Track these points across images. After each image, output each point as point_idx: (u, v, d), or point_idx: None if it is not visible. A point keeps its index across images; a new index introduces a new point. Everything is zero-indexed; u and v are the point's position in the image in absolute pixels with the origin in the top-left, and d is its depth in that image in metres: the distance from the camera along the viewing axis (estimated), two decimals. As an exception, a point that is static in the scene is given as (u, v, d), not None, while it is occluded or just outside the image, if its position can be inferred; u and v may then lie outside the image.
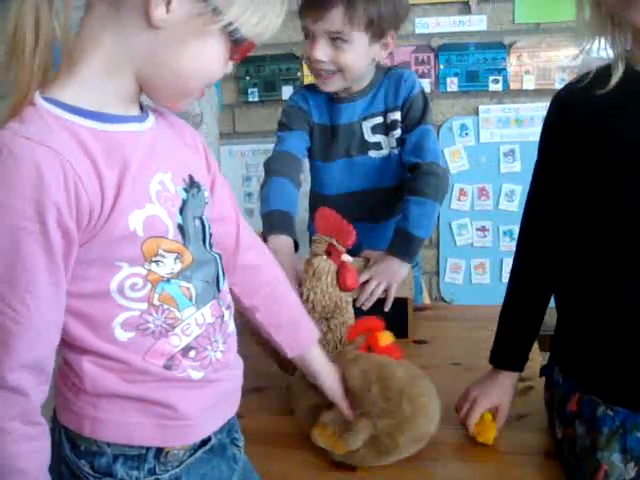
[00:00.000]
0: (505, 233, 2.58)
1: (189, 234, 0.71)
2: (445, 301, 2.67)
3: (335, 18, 1.27)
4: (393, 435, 0.91)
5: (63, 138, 0.61)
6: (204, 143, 0.82)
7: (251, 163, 2.67)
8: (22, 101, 0.63)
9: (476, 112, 2.54)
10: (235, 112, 2.65)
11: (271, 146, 1.47)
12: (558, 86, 0.93)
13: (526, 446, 0.99)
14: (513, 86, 2.49)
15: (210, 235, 0.76)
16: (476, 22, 2.46)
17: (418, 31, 2.47)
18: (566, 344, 0.96)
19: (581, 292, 0.91)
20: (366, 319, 1.04)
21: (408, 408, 0.91)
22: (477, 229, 2.62)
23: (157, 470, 0.72)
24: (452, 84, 2.52)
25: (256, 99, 2.62)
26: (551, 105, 0.96)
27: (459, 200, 2.60)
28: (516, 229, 1.05)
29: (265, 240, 1.21)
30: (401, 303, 1.33)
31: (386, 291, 1.31)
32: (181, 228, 0.70)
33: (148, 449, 0.71)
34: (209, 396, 0.75)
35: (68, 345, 0.69)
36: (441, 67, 2.51)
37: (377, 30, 1.31)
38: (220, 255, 0.78)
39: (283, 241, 1.24)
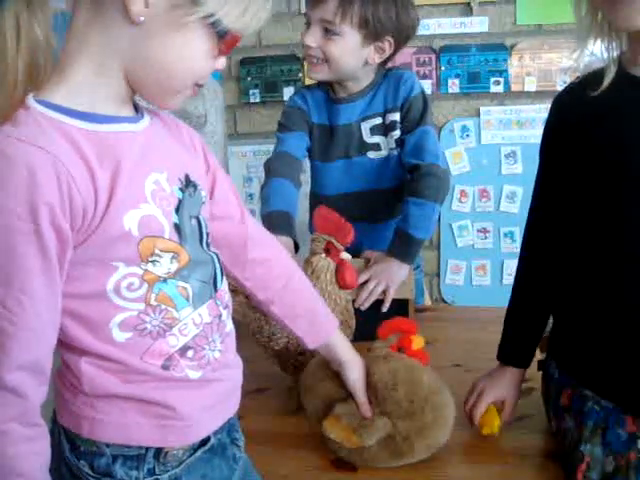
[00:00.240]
0: (506, 235, 2.58)
1: (185, 234, 0.70)
2: (446, 302, 2.67)
3: (329, 7, 1.30)
4: (411, 439, 0.91)
5: (55, 139, 0.61)
6: (203, 143, 0.82)
7: (252, 164, 2.67)
8: (13, 103, 0.64)
9: (477, 114, 2.54)
10: (236, 113, 2.66)
11: (272, 147, 1.48)
12: (559, 88, 0.93)
13: (528, 447, 0.99)
14: (514, 88, 2.50)
15: (207, 234, 0.76)
16: (478, 23, 2.46)
17: (419, 32, 2.43)
18: (562, 339, 0.97)
19: (576, 288, 0.92)
20: (400, 319, 1.04)
21: (430, 415, 0.91)
22: (478, 230, 2.62)
23: (157, 470, 0.72)
24: (453, 85, 2.52)
25: (257, 100, 2.62)
26: (551, 107, 0.97)
27: (460, 201, 2.60)
28: (517, 231, 1.06)
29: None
30: (402, 304, 1.33)
31: (384, 292, 1.31)
32: (177, 228, 0.69)
33: (147, 449, 0.71)
34: (208, 396, 0.75)
35: (66, 346, 0.69)
36: (442, 68, 2.51)
37: (372, 32, 1.32)
38: (218, 254, 0.77)
39: (283, 242, 1.24)
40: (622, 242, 0.84)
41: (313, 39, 1.33)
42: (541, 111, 2.44)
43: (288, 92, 2.54)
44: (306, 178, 1.49)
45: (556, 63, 2.43)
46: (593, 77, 0.86)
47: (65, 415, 0.72)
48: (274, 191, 1.34)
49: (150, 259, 0.67)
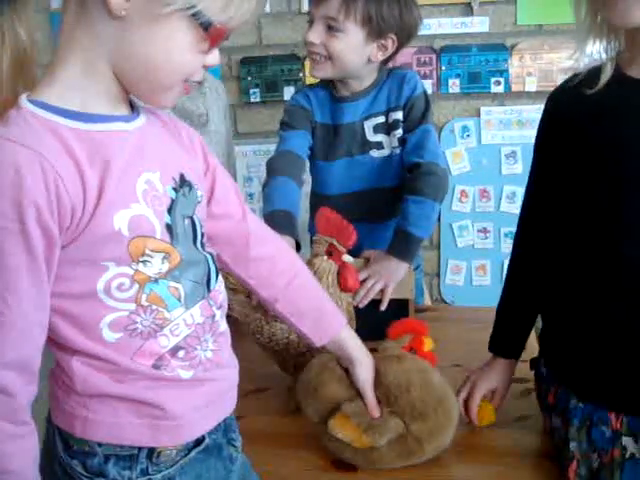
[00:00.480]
0: (506, 235, 2.58)
1: (177, 234, 0.70)
2: (446, 302, 2.67)
3: (333, 4, 1.30)
4: (422, 440, 0.92)
5: (45, 139, 0.61)
6: (203, 143, 0.82)
7: (252, 163, 2.67)
8: (3, 103, 0.64)
9: (478, 114, 2.54)
10: (237, 112, 2.65)
11: (272, 147, 1.48)
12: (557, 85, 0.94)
13: (526, 447, 0.99)
14: (515, 88, 2.49)
15: (202, 234, 0.76)
16: (478, 24, 2.46)
17: (420, 32, 2.45)
18: (549, 338, 0.99)
19: (565, 286, 0.93)
20: (411, 320, 1.05)
21: (442, 417, 0.92)
22: (478, 231, 2.62)
23: (150, 470, 0.72)
24: (454, 85, 2.52)
25: (258, 100, 2.62)
26: (546, 103, 0.98)
27: (460, 202, 2.60)
28: (517, 230, 1.07)
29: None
30: (402, 304, 1.33)
31: (382, 292, 1.31)
32: (169, 228, 0.69)
33: (140, 449, 0.71)
34: (200, 395, 0.75)
35: (58, 345, 0.69)
36: (443, 68, 2.51)
37: (375, 29, 1.32)
38: (213, 255, 0.77)
39: (285, 241, 1.24)
40: (616, 243, 0.84)
41: (316, 36, 1.33)
42: (541, 111, 2.43)
43: (289, 92, 2.53)
44: (307, 177, 1.49)
45: (557, 63, 2.43)
46: (589, 75, 0.86)
47: (59, 414, 0.72)
48: (276, 190, 1.34)
49: (141, 259, 0.67)
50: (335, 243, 1.07)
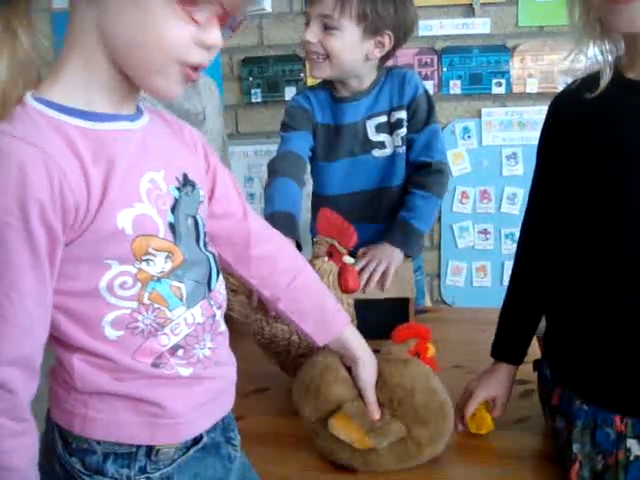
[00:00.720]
0: (507, 236, 2.58)
1: (180, 233, 0.70)
2: (446, 304, 2.67)
3: (328, 2, 1.31)
4: (422, 445, 0.92)
5: (50, 136, 0.61)
6: (204, 142, 0.82)
7: (253, 164, 2.67)
8: (5, 100, 0.63)
9: (479, 115, 2.54)
10: (238, 113, 2.66)
11: (274, 147, 1.48)
12: (561, 89, 0.94)
13: (527, 448, 0.99)
14: (516, 89, 2.49)
15: (205, 234, 0.76)
16: (480, 25, 2.46)
17: (421, 33, 2.47)
18: (553, 340, 0.98)
19: (569, 289, 0.93)
20: (416, 325, 1.04)
21: (442, 424, 0.92)
22: (479, 232, 2.62)
23: (148, 468, 0.72)
24: (455, 87, 2.52)
25: (259, 100, 2.62)
26: (548, 109, 0.98)
27: (461, 203, 2.60)
28: (518, 232, 1.06)
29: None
30: (403, 303, 1.33)
31: (384, 273, 1.32)
32: (172, 227, 0.69)
33: (138, 447, 0.71)
34: (199, 394, 0.75)
35: (60, 342, 0.69)
36: (444, 70, 2.51)
37: (371, 26, 1.33)
38: (214, 254, 0.77)
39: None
40: (618, 245, 0.84)
41: (313, 35, 1.34)
42: (542, 113, 2.38)
43: (290, 92, 2.54)
44: (308, 177, 1.49)
45: (558, 65, 2.43)
46: (590, 80, 0.87)
47: (58, 412, 0.72)
48: (278, 191, 1.34)
49: (144, 258, 0.67)
50: (336, 244, 1.07)
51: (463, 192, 2.59)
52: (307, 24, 1.36)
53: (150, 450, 0.71)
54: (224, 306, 0.79)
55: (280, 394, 1.14)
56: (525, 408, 1.07)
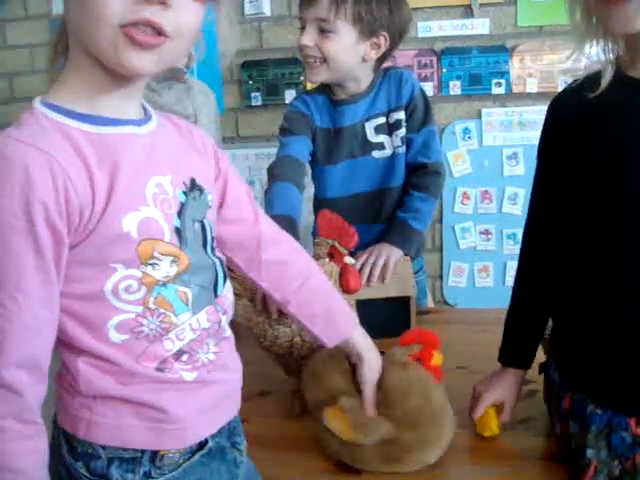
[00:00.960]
0: (508, 236, 2.58)
1: (186, 238, 0.71)
2: (448, 304, 2.67)
3: (322, 5, 1.31)
4: (408, 450, 0.92)
5: (55, 140, 0.62)
6: (215, 147, 0.82)
7: (254, 167, 2.67)
8: None
9: (479, 115, 2.54)
10: (238, 116, 2.66)
11: (274, 150, 1.48)
12: (561, 89, 0.94)
13: (531, 449, 0.99)
14: (516, 89, 2.49)
15: (212, 239, 0.76)
16: (479, 25, 2.46)
17: (421, 34, 2.47)
18: (561, 343, 0.98)
19: (574, 291, 0.92)
20: (426, 331, 1.04)
21: (433, 432, 0.92)
22: (480, 232, 2.62)
23: (153, 474, 0.71)
24: (455, 87, 2.52)
25: (259, 103, 2.62)
26: (548, 109, 0.98)
27: (462, 203, 2.60)
28: (519, 232, 1.06)
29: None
30: (403, 301, 1.33)
31: (385, 267, 1.34)
32: (178, 231, 0.70)
33: (143, 452, 0.71)
34: (203, 398, 0.75)
35: (65, 345, 0.69)
36: (444, 70, 2.51)
37: (366, 27, 1.33)
38: (222, 260, 0.77)
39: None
40: (618, 245, 0.84)
41: (309, 39, 1.34)
42: (542, 112, 2.37)
43: (290, 95, 2.54)
44: (308, 180, 1.49)
45: (557, 64, 2.43)
46: (591, 79, 0.86)
47: (63, 416, 0.72)
48: (278, 195, 1.35)
49: (149, 262, 0.67)
50: (337, 245, 1.07)
51: (464, 193, 2.59)
52: (302, 28, 1.36)
53: (155, 455, 0.71)
54: (230, 312, 0.79)
55: (284, 397, 1.14)
56: (529, 409, 1.07)
